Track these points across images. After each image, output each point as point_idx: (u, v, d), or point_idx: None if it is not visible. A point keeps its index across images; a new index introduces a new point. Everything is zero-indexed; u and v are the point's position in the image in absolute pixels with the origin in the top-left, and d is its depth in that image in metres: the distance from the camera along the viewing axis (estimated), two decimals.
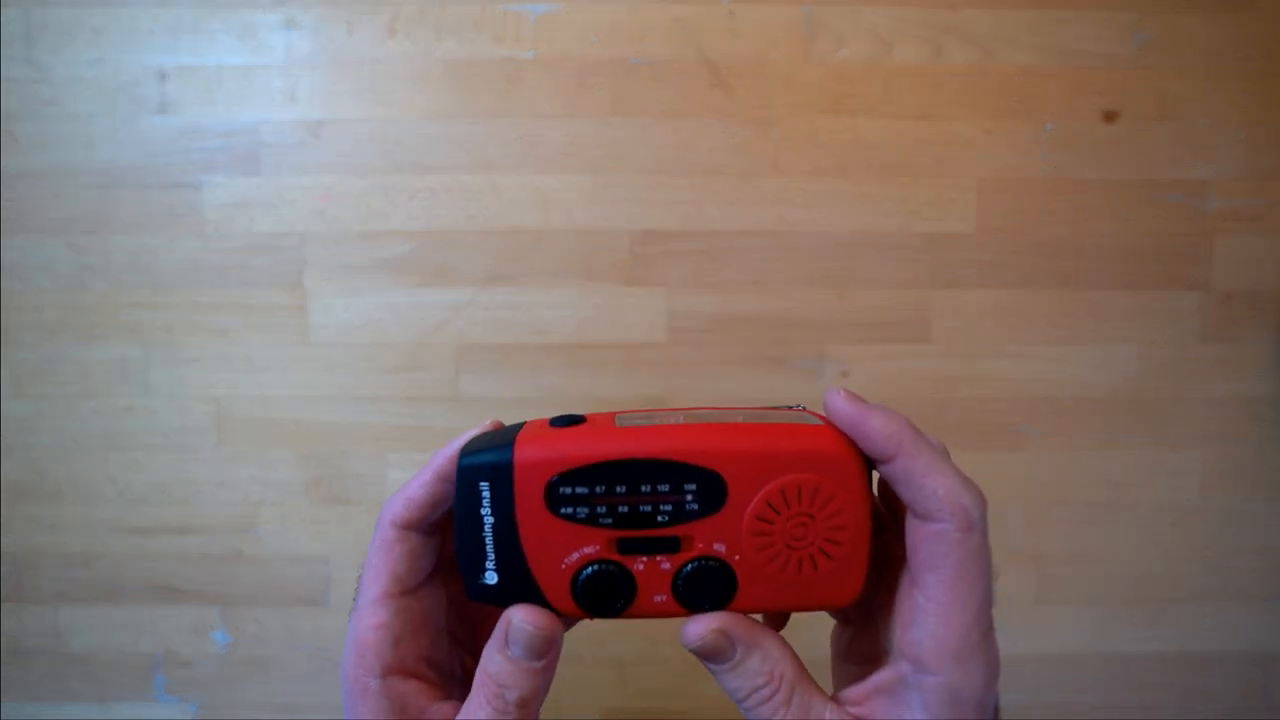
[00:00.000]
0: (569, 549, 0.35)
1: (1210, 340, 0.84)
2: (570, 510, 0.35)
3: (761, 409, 0.40)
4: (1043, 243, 0.84)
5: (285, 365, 0.83)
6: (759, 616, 0.38)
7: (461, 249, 0.83)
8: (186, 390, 0.83)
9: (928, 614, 0.34)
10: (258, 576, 0.84)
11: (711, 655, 0.35)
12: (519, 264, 0.83)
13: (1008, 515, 0.85)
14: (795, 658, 0.36)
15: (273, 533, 0.84)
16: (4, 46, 0.80)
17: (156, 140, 0.81)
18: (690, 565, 0.35)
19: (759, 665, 0.35)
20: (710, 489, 0.35)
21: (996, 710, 0.35)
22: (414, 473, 0.39)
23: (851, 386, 0.82)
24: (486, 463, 0.35)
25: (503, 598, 0.36)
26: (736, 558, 0.35)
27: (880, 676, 0.35)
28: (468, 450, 0.36)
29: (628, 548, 0.35)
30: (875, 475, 0.37)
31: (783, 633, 0.37)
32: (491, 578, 0.36)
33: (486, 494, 0.35)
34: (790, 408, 0.41)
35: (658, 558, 0.35)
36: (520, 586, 0.36)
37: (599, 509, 0.35)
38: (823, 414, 0.37)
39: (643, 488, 0.35)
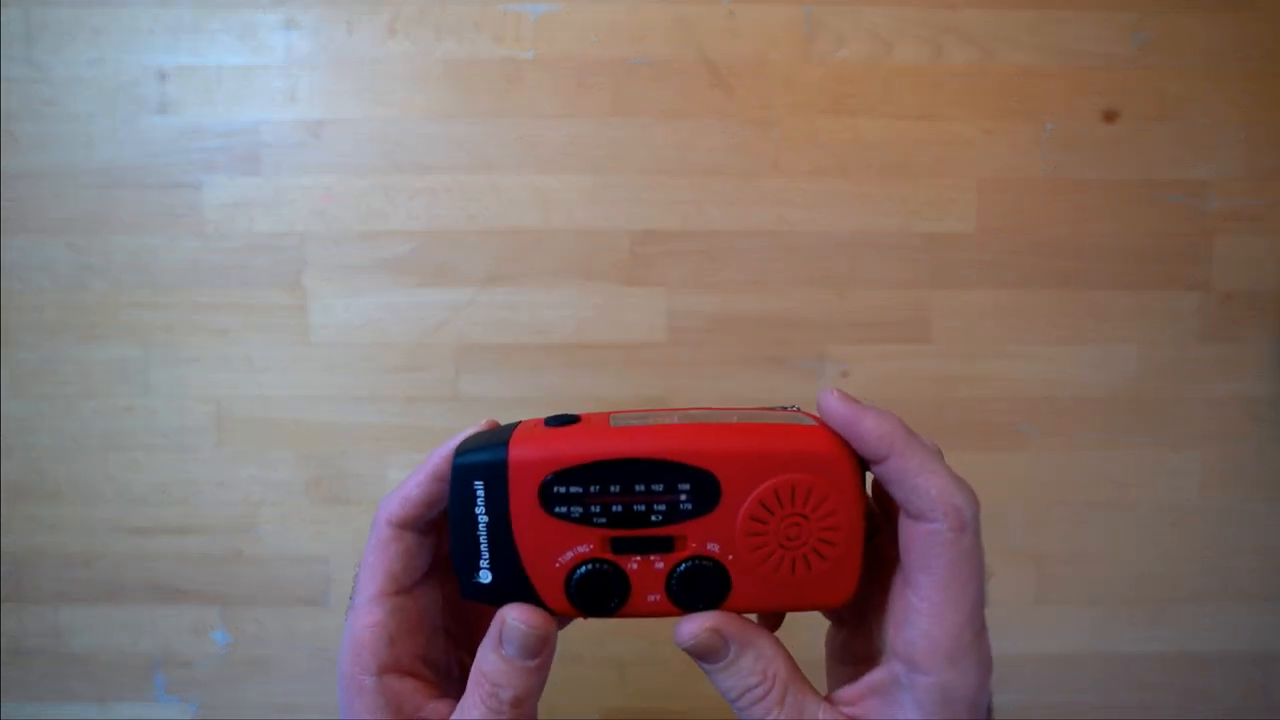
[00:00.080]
0: (563, 548, 0.35)
1: (1210, 340, 0.84)
2: (564, 509, 0.35)
3: (756, 410, 0.40)
4: (1043, 243, 0.84)
5: (285, 365, 0.83)
6: (754, 617, 0.38)
7: (461, 249, 0.83)
8: (186, 390, 0.83)
9: (920, 614, 0.34)
10: (258, 576, 0.85)
11: (705, 654, 0.36)
12: (519, 264, 0.83)
13: (1008, 515, 0.85)
14: (788, 657, 0.36)
15: (273, 533, 0.84)
16: (4, 46, 0.80)
17: (156, 140, 0.82)
18: (684, 565, 0.35)
19: (752, 664, 0.35)
20: (704, 489, 0.35)
21: (990, 710, 0.35)
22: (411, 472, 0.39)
23: (851, 386, 0.82)
24: (481, 462, 0.35)
25: (497, 596, 0.36)
26: (730, 557, 0.35)
27: (873, 677, 0.35)
28: (463, 449, 0.36)
29: (621, 547, 0.35)
30: (869, 476, 0.37)
31: (778, 634, 0.38)
32: (486, 576, 0.36)
33: (481, 493, 0.35)
34: (785, 408, 0.41)
35: (651, 557, 0.35)
36: (514, 585, 0.36)
37: (593, 508, 0.35)
38: (817, 415, 0.37)
39: (637, 487, 0.35)
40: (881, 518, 0.39)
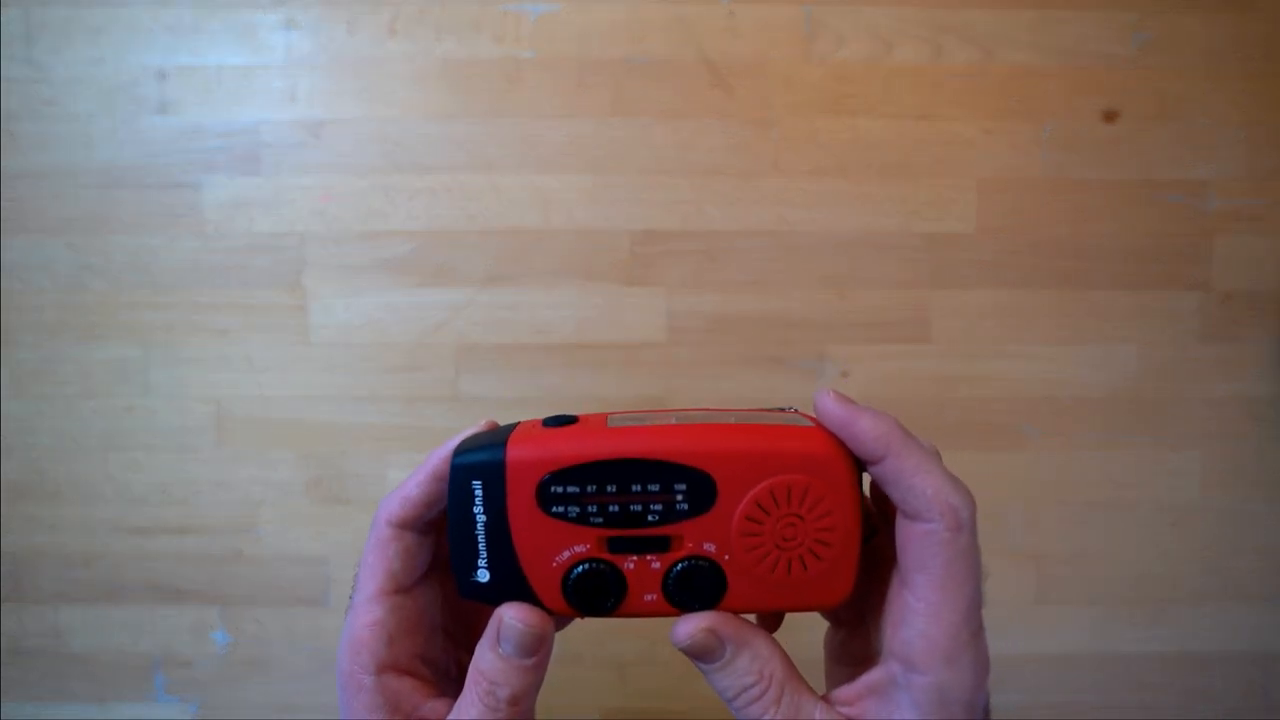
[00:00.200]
0: (560, 548, 0.36)
1: (1210, 340, 0.84)
2: (562, 509, 0.35)
3: (753, 411, 0.41)
4: (1043, 243, 0.83)
5: (285, 365, 0.83)
6: (752, 618, 0.38)
7: (461, 249, 0.83)
8: (186, 390, 0.83)
9: (917, 614, 0.34)
10: (258, 576, 0.85)
11: (701, 654, 0.36)
12: (519, 264, 0.83)
13: (1008, 515, 0.85)
14: (785, 657, 0.36)
15: (273, 533, 0.84)
16: (4, 46, 0.80)
17: (156, 140, 0.82)
18: (680, 565, 0.35)
19: (748, 664, 0.35)
20: (700, 489, 0.35)
21: (987, 710, 0.35)
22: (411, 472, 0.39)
23: (852, 387, 0.82)
24: (479, 461, 0.36)
25: (494, 596, 0.36)
26: (726, 557, 0.35)
27: (871, 677, 0.35)
28: (461, 449, 0.37)
29: (618, 547, 0.36)
30: (868, 478, 0.37)
31: (778, 635, 0.38)
32: (483, 576, 0.36)
33: (479, 492, 0.35)
34: (782, 410, 0.41)
35: (648, 557, 0.36)
36: (512, 585, 0.36)
37: (590, 508, 0.35)
38: (814, 416, 0.37)
39: (633, 487, 0.35)
40: (879, 519, 0.39)
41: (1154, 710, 0.87)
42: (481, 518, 0.36)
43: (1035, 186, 0.83)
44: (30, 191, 0.82)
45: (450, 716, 0.36)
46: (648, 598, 0.36)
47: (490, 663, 0.36)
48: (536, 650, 0.36)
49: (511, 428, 0.38)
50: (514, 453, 0.35)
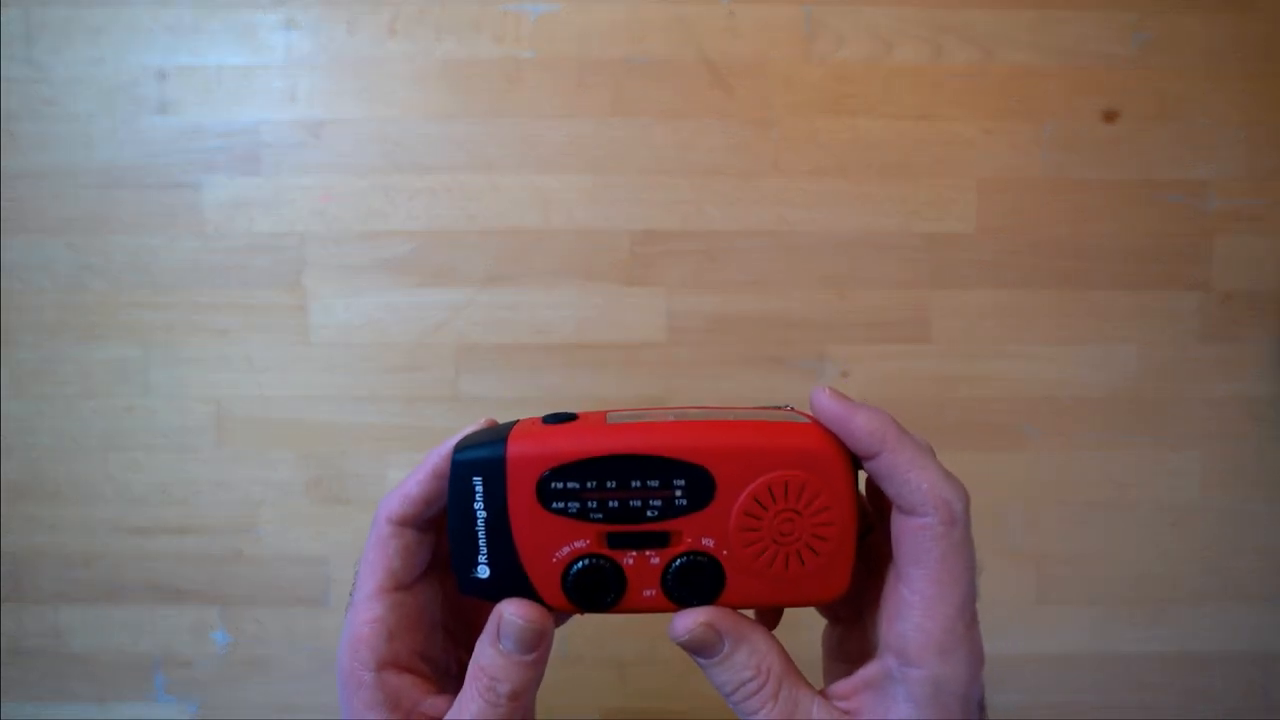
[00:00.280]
0: (560, 543, 0.36)
1: (1210, 340, 0.84)
2: (561, 505, 0.35)
3: (751, 409, 0.41)
4: (1043, 243, 0.84)
5: (285, 365, 0.83)
6: (752, 613, 0.39)
7: (461, 249, 0.83)
8: (186, 390, 0.83)
9: (912, 607, 0.34)
10: (258, 576, 0.85)
11: (699, 649, 0.36)
12: (519, 264, 0.83)
13: (1008, 515, 0.85)
14: (783, 652, 0.36)
15: (273, 533, 0.84)
16: (4, 46, 0.80)
17: (156, 140, 0.82)
18: (679, 560, 0.36)
19: (746, 659, 0.35)
20: (699, 485, 0.35)
21: (981, 703, 0.35)
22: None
23: (852, 387, 0.82)
24: (480, 458, 0.36)
25: (494, 592, 0.36)
26: (724, 553, 0.36)
27: (867, 671, 0.36)
28: (462, 446, 0.37)
29: (617, 542, 0.36)
30: (864, 476, 0.37)
31: (778, 633, 0.38)
32: (484, 572, 0.36)
33: (479, 489, 0.36)
34: (780, 408, 0.41)
35: (647, 552, 0.36)
36: (512, 580, 0.36)
37: (589, 504, 0.35)
38: (810, 413, 0.37)
39: (632, 483, 0.35)
40: (875, 515, 0.39)
41: (1154, 710, 0.86)
42: (482, 514, 0.36)
43: (1035, 186, 0.83)
44: (30, 191, 0.82)
45: (450, 713, 0.36)
46: (647, 593, 0.36)
47: (490, 658, 0.36)
48: (536, 646, 0.36)
49: (511, 425, 0.38)
50: (514, 449, 0.36)
